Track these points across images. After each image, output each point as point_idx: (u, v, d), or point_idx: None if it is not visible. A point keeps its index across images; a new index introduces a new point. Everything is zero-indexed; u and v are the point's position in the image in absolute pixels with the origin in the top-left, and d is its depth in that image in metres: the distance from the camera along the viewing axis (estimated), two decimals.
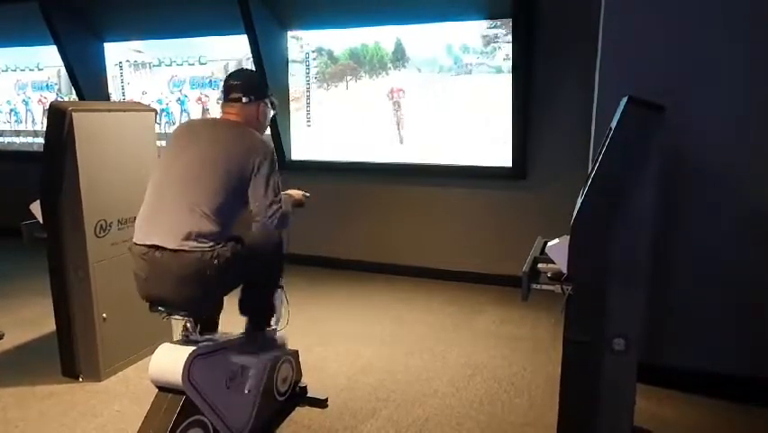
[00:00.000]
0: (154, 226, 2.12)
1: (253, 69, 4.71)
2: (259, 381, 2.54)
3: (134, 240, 2.17)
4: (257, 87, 2.36)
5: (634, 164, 1.94)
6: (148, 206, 2.19)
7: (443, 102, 4.55)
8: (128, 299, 2.72)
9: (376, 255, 4.98)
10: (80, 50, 5.52)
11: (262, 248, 2.38)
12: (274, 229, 2.23)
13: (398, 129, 4.75)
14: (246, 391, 2.45)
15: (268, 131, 4.81)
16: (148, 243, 2.10)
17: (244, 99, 2.29)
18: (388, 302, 4.32)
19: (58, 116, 2.87)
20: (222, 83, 2.38)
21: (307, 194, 2.63)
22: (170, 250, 2.07)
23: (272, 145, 2.29)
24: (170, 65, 5.46)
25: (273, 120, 4.86)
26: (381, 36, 4.63)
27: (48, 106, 2.98)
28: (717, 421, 2.71)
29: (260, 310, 2.56)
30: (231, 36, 4.95)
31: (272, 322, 2.66)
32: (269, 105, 2.42)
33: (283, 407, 2.77)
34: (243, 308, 2.53)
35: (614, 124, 2.07)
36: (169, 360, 2.17)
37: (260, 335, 2.56)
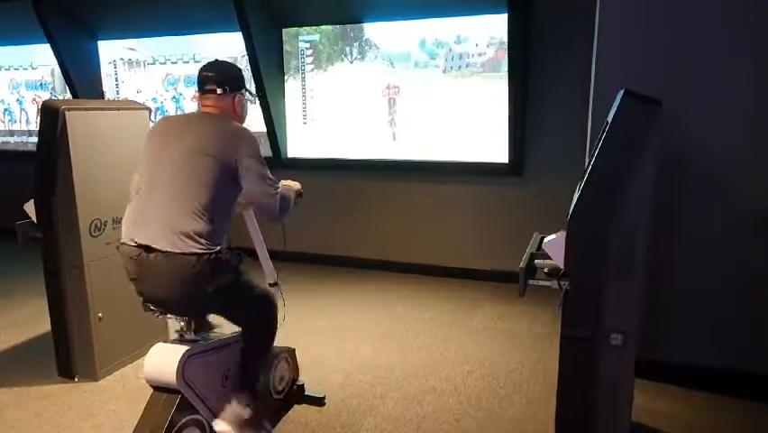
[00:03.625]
0: (144, 226, 2.08)
1: (249, 66, 4.70)
2: None
3: (123, 240, 2.14)
4: (232, 78, 2.30)
5: (631, 159, 1.93)
6: (135, 206, 2.14)
7: (438, 99, 4.53)
8: (123, 299, 2.71)
9: (373, 252, 4.97)
10: (74, 49, 5.49)
11: (258, 292, 2.34)
12: (278, 215, 2.19)
13: (393, 126, 4.74)
14: None
15: (263, 128, 4.88)
16: (139, 242, 2.07)
17: (219, 90, 2.24)
18: (386, 299, 4.31)
19: (51, 115, 2.85)
20: (197, 75, 2.31)
21: (298, 182, 2.62)
22: (164, 252, 2.03)
23: (252, 134, 2.25)
24: (165, 63, 5.44)
25: (269, 117, 4.85)
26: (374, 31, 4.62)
27: (41, 105, 2.95)
28: (715, 417, 2.71)
29: (250, 379, 2.39)
30: (225, 34, 4.94)
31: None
32: (246, 96, 2.38)
33: (280, 405, 2.76)
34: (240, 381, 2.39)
35: (610, 119, 2.06)
36: (164, 359, 2.15)
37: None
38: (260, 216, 2.42)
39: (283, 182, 2.47)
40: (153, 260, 2.04)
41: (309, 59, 4.89)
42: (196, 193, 2.06)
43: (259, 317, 2.36)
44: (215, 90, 2.25)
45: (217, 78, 2.26)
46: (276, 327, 2.45)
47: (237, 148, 2.12)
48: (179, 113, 5.46)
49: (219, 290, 2.09)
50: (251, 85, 4.75)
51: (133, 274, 2.11)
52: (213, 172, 2.08)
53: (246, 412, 2.26)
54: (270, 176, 2.20)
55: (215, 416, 2.30)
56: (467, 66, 4.40)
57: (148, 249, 2.05)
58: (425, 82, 4.54)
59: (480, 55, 4.35)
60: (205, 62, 2.34)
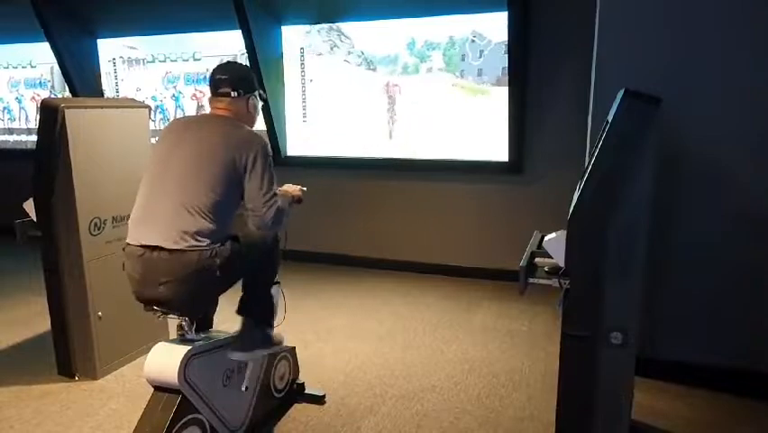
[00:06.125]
0: (150, 226, 2.09)
1: (247, 64, 4.69)
2: (256, 378, 2.54)
3: (128, 240, 2.14)
4: (245, 81, 2.31)
5: (631, 157, 1.93)
6: (141, 206, 2.15)
7: (438, 98, 4.53)
8: (123, 298, 2.70)
9: (372, 251, 4.97)
10: (73, 47, 5.48)
11: (259, 245, 2.36)
12: (270, 226, 2.19)
13: (393, 124, 4.73)
14: (243, 389, 2.44)
15: (263, 126, 4.88)
16: (144, 243, 2.07)
17: (233, 93, 2.24)
18: (385, 298, 4.31)
19: (50, 114, 2.84)
20: (209, 77, 2.32)
21: (304, 188, 2.60)
22: (168, 250, 2.04)
23: (266, 139, 2.25)
24: (164, 61, 5.42)
25: (268, 115, 4.85)
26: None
27: (40, 104, 2.95)
28: (715, 414, 2.71)
29: (264, 307, 2.51)
30: (225, 32, 4.93)
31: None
32: (258, 98, 2.38)
33: (281, 404, 2.76)
34: (246, 308, 2.46)
35: (610, 118, 2.06)
36: (165, 360, 2.15)
37: (262, 331, 2.50)
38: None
39: (285, 186, 2.46)
40: (157, 258, 2.04)
41: (309, 57, 4.87)
42: (202, 193, 2.07)
43: (263, 260, 2.41)
44: (230, 93, 2.25)
45: (231, 80, 2.25)
46: (278, 263, 2.51)
47: (247, 153, 2.12)
48: (179, 111, 5.46)
49: (223, 285, 2.14)
50: None
51: (138, 274, 2.11)
52: (221, 174, 2.08)
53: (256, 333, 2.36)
54: (271, 188, 2.17)
55: (217, 415, 2.30)
56: (466, 71, 4.40)
57: (152, 248, 2.05)
58: (424, 81, 4.54)
59: (477, 53, 4.35)
60: (206, 60, 2.36)
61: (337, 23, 4.70)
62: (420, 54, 4.51)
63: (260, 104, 2.42)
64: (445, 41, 4.42)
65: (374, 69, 4.67)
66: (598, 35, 2.88)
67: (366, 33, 4.64)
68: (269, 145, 2.23)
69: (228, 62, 2.39)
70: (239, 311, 2.46)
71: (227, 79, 2.26)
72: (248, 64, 4.68)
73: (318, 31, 4.78)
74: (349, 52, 4.74)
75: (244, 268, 2.31)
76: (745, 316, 2.83)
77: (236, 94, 2.25)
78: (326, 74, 4.86)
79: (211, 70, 2.33)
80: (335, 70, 4.81)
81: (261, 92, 2.41)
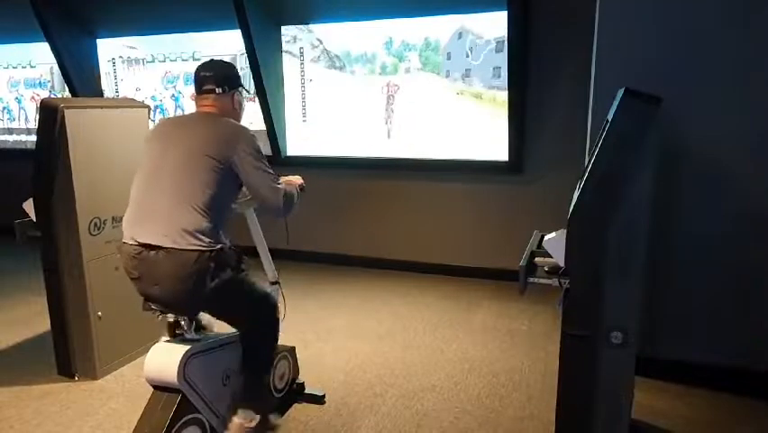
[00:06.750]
0: (147, 225, 2.08)
1: (249, 64, 4.69)
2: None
3: (124, 240, 2.14)
4: (230, 77, 2.31)
5: (631, 157, 1.92)
6: (137, 204, 2.15)
7: (437, 97, 4.53)
8: (123, 298, 2.72)
9: (373, 251, 4.97)
10: (73, 47, 5.48)
11: (258, 292, 2.35)
12: (282, 208, 2.20)
13: (391, 124, 4.73)
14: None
15: (263, 126, 4.88)
16: (141, 241, 2.07)
17: (218, 90, 2.26)
18: (385, 298, 4.31)
19: (49, 114, 2.85)
20: (193, 75, 2.32)
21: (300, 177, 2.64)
22: (166, 249, 2.04)
23: (251, 131, 2.26)
24: (164, 61, 5.43)
25: (268, 115, 4.85)
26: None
27: (39, 104, 2.95)
28: (715, 414, 2.71)
29: (250, 390, 2.35)
30: (224, 32, 4.93)
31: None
32: (243, 94, 2.39)
33: (281, 403, 2.76)
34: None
35: (610, 117, 2.06)
36: (164, 359, 2.15)
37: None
38: (263, 213, 2.42)
39: (283, 178, 2.47)
40: (155, 257, 2.04)
41: (309, 57, 4.87)
42: (197, 192, 2.06)
43: (259, 317, 2.36)
44: (214, 90, 2.26)
45: (215, 77, 2.27)
46: (278, 330, 2.45)
47: (235, 146, 2.12)
48: (179, 111, 5.46)
49: (219, 287, 2.09)
50: (249, 83, 4.75)
51: (134, 274, 2.11)
52: (213, 171, 2.09)
53: (252, 422, 2.26)
54: (271, 174, 2.21)
55: (216, 415, 2.30)
56: (466, 72, 4.40)
57: (150, 247, 2.05)
58: (424, 80, 4.54)
59: (475, 54, 4.35)
60: (202, 61, 2.35)
61: (339, 23, 4.70)
62: (398, 54, 4.52)
63: (245, 100, 2.43)
64: (446, 40, 4.42)
65: (341, 68, 4.67)
66: (598, 34, 2.88)
67: (359, 33, 4.65)
68: (256, 137, 2.24)
69: (212, 60, 2.40)
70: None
71: (212, 77, 2.27)
72: (248, 64, 4.69)
73: (317, 30, 4.78)
74: (313, 46, 4.73)
75: (241, 305, 2.28)
76: (745, 316, 2.83)
77: (221, 90, 2.26)
78: (326, 74, 4.85)
79: (195, 69, 2.33)
80: (335, 70, 4.81)
81: (245, 88, 2.42)
